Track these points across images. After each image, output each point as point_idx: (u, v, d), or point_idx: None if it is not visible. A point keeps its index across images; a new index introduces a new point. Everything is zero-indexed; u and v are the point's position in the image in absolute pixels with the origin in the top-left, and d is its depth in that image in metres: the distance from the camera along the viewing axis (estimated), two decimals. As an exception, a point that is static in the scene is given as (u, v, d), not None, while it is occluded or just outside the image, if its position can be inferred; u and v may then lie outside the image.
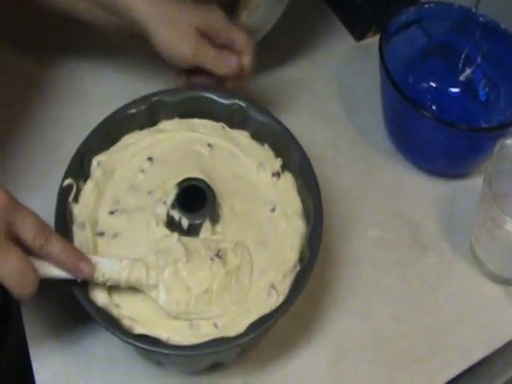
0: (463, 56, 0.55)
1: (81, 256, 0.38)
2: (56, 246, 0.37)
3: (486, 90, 0.54)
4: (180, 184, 0.43)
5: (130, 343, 0.38)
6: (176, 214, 0.42)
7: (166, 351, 0.38)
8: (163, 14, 0.46)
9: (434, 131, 0.48)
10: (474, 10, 0.54)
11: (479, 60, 0.54)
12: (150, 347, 0.38)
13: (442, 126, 0.46)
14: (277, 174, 0.46)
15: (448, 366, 0.46)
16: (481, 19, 0.53)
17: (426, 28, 0.56)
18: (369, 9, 0.62)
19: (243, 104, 0.47)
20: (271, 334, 0.45)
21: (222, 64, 0.47)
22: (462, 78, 0.56)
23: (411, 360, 0.46)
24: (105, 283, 0.39)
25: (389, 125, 0.55)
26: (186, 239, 0.41)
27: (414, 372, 0.46)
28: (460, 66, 0.55)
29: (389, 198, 0.54)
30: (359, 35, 0.64)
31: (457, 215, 0.53)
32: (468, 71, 0.55)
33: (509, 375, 0.50)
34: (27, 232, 0.36)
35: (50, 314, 0.46)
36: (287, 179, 0.46)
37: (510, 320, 0.48)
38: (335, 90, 0.61)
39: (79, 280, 0.38)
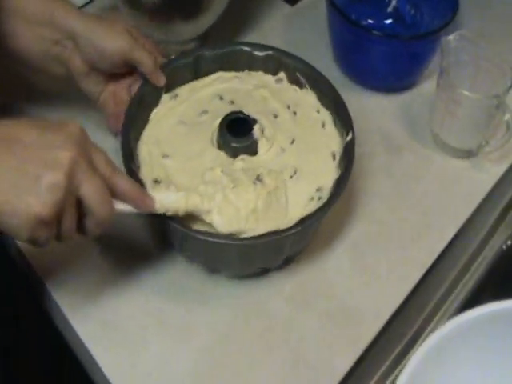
0: (387, -10, 0.65)
1: (143, 189, 0.43)
2: (122, 178, 0.41)
3: (412, 12, 0.64)
4: (228, 116, 0.50)
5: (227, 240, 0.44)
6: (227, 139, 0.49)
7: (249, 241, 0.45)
8: (96, 19, 0.51)
9: (382, 49, 0.58)
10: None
11: (400, -11, 0.65)
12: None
13: (388, 42, 0.57)
14: None
15: (442, 233, 0.55)
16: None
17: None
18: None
19: (277, 54, 0.55)
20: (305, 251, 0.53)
21: (154, 62, 0.51)
22: (389, 9, 0.66)
23: (412, 237, 0.55)
24: (165, 213, 0.44)
25: (340, 58, 0.65)
26: (228, 170, 0.48)
27: (418, 246, 0.54)
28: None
29: (357, 120, 0.62)
30: (292, 0, 0.74)
31: (416, 117, 0.63)
32: (393, 2, 0.66)
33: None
34: (100, 162, 0.40)
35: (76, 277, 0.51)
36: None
37: (477, 182, 0.58)
38: (284, 48, 0.70)
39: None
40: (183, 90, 0.55)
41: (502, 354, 0.45)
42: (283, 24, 0.72)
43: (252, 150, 0.50)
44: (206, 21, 0.65)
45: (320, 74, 0.54)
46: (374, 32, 0.56)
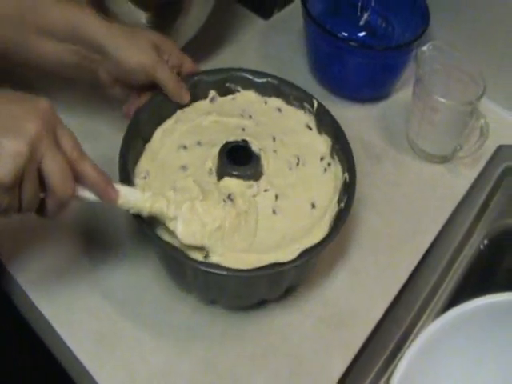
0: (359, 5, 0.68)
1: (109, 180, 0.42)
2: (88, 164, 0.41)
3: (383, 25, 0.67)
4: (226, 145, 0.50)
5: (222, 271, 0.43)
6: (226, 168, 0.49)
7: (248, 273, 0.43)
8: (121, 31, 0.50)
9: (358, 60, 0.60)
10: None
11: (373, 4, 0.67)
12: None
13: (364, 53, 0.59)
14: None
15: (424, 236, 0.57)
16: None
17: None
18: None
19: (276, 81, 0.55)
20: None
21: (177, 82, 0.52)
22: (361, 22, 0.69)
23: (397, 241, 0.57)
24: (128, 210, 0.43)
25: (317, 70, 0.67)
26: (201, 182, 0.47)
27: (402, 248, 0.56)
28: (358, 13, 0.68)
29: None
30: (267, 14, 0.75)
31: (392, 125, 0.65)
32: (365, 16, 0.68)
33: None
34: (67, 143, 0.39)
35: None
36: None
37: (453, 185, 0.61)
38: (261, 61, 0.71)
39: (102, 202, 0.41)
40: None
41: (488, 345, 0.47)
42: (258, 38, 0.74)
43: (259, 171, 0.50)
44: (183, 35, 0.66)
45: (237, 69, 0.55)
46: (351, 43, 0.59)
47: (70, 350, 0.49)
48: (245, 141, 0.51)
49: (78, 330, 0.50)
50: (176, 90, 0.52)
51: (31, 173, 0.38)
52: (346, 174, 0.50)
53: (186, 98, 0.53)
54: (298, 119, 0.55)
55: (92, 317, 0.50)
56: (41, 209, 0.41)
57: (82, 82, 0.54)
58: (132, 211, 0.43)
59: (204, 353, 0.49)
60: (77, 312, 0.50)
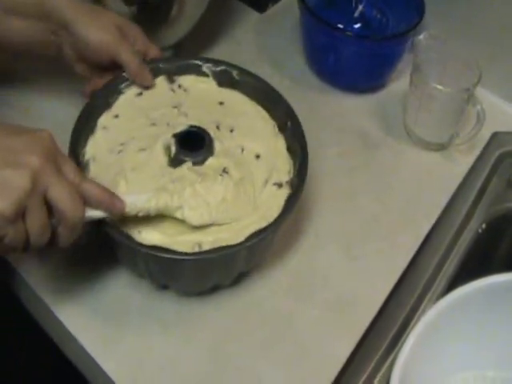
0: (354, -4, 0.69)
1: (113, 193, 0.43)
2: (91, 184, 0.42)
3: (378, 17, 0.68)
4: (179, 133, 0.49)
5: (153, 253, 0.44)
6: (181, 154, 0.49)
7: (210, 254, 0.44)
8: (87, 10, 0.50)
9: (354, 50, 0.61)
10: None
11: (367, -5, 0.69)
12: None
13: (360, 43, 0.60)
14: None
15: (423, 221, 0.58)
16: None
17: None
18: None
19: (229, 68, 0.55)
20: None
21: (139, 64, 0.51)
22: (356, 14, 0.70)
23: (396, 227, 0.58)
24: (136, 215, 0.44)
25: (313, 61, 0.68)
26: (194, 167, 0.48)
27: (402, 234, 0.57)
28: (353, 5, 0.69)
29: (333, 120, 0.66)
30: (262, 8, 0.76)
31: (388, 116, 0.66)
32: (360, 7, 0.69)
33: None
34: (68, 169, 0.41)
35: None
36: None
37: (450, 172, 0.62)
38: (257, 54, 0.72)
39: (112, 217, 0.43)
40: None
41: (489, 325, 0.48)
42: (254, 31, 0.75)
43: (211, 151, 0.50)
44: (178, 31, 0.67)
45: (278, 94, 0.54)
46: (347, 33, 0.59)
47: (79, 345, 0.49)
48: (194, 126, 0.50)
49: (85, 323, 0.50)
50: (138, 71, 0.52)
51: (35, 204, 0.38)
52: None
53: (148, 79, 0.53)
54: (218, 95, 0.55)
55: (99, 313, 0.51)
56: (52, 241, 0.41)
57: (47, 56, 0.54)
58: (140, 214, 0.45)
59: (209, 341, 0.50)
60: (83, 304, 0.51)
